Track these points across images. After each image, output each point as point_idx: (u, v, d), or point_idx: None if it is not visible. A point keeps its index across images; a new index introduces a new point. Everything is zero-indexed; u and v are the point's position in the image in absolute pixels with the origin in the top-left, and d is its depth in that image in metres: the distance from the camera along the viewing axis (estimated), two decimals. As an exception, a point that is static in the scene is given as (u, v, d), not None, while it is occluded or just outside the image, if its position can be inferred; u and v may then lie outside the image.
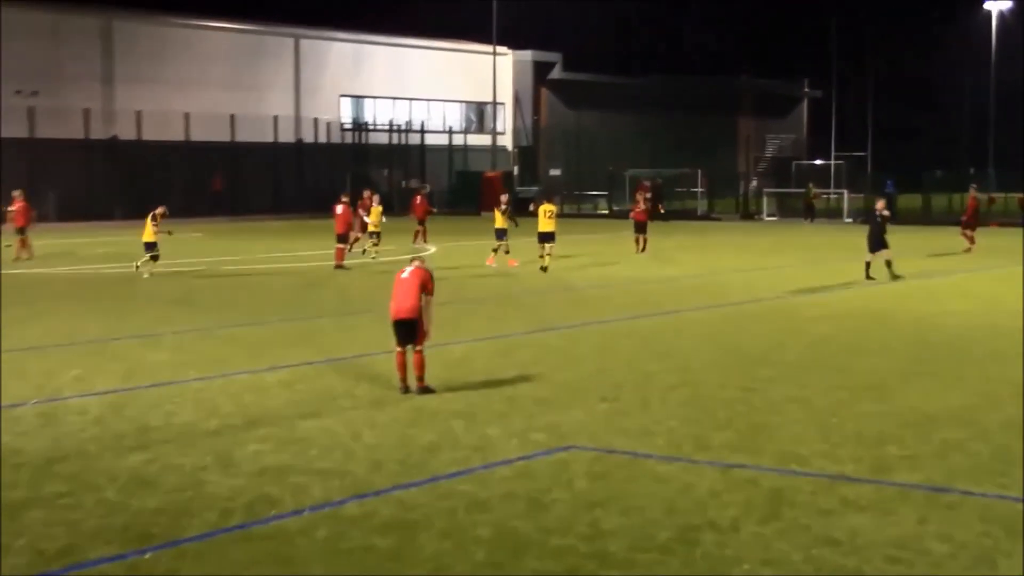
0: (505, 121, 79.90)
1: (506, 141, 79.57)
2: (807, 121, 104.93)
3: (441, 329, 16.85)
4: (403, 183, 67.24)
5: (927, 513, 9.67)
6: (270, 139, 64.46)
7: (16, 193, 36.21)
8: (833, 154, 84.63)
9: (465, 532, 9.26)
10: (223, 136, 62.38)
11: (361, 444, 12.06)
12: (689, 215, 61.54)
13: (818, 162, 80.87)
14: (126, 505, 10.03)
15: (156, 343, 18.88)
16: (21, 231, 35.14)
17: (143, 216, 30.52)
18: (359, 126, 71.00)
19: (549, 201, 33.12)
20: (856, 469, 11.02)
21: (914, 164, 68.05)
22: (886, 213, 28.53)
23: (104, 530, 9.38)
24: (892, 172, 64.75)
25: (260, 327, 20.88)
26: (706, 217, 61.15)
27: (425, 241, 39.73)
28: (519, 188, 66.42)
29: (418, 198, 41.05)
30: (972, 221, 37.69)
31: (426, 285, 14.36)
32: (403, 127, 71.41)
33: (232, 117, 62.67)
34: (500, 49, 73.76)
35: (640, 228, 37.01)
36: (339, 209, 32.40)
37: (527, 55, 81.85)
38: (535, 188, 67.88)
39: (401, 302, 14.34)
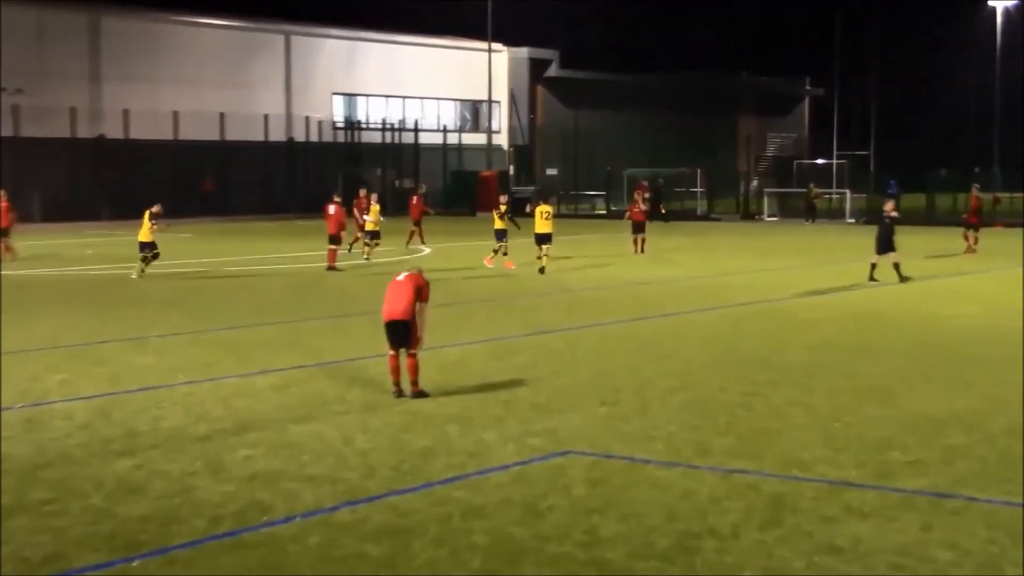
0: (501, 120, 79.93)
1: (502, 140, 79.60)
2: (809, 119, 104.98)
3: (436, 331, 16.85)
4: (396, 183, 67.23)
5: (931, 520, 9.67)
6: (260, 138, 64.40)
7: (-1, 193, 36.17)
8: (835, 153, 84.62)
9: (460, 539, 9.25)
10: (212, 135, 62.37)
11: (354, 449, 12.05)
12: (689, 215, 61.52)
13: (820, 161, 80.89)
14: (113, 512, 10.02)
15: (143, 346, 18.86)
16: (4, 232, 35.09)
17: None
18: (352, 125, 70.99)
19: (546, 202, 33.13)
20: (859, 475, 11.02)
21: (918, 163, 68.08)
22: (895, 215, 28.51)
23: (90, 537, 9.37)
24: (895, 171, 64.78)
25: (250, 330, 20.86)
26: (706, 217, 61.17)
27: (423, 242, 39.67)
28: (515, 188, 66.40)
29: (414, 198, 41.02)
30: (975, 222, 37.60)
31: (421, 291, 14.35)
32: (396, 126, 71.42)
33: (222, 115, 62.64)
34: (496, 46, 73.77)
35: (638, 228, 37.04)
36: (331, 209, 32.38)
37: (523, 52, 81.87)
38: (531, 188, 67.93)
39: (394, 304, 14.33)
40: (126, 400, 14.59)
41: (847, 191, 62.68)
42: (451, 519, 9.74)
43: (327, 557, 8.90)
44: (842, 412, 13.66)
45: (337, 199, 33.24)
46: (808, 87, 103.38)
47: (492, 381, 15.55)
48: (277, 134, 65.93)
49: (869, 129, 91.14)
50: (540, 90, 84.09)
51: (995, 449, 11.93)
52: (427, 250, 38.32)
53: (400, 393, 14.43)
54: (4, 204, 35.35)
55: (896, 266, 27.71)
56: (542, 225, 31.11)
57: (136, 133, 59.33)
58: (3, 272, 31.16)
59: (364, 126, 71.28)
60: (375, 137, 70.44)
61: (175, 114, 60.52)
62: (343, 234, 32.49)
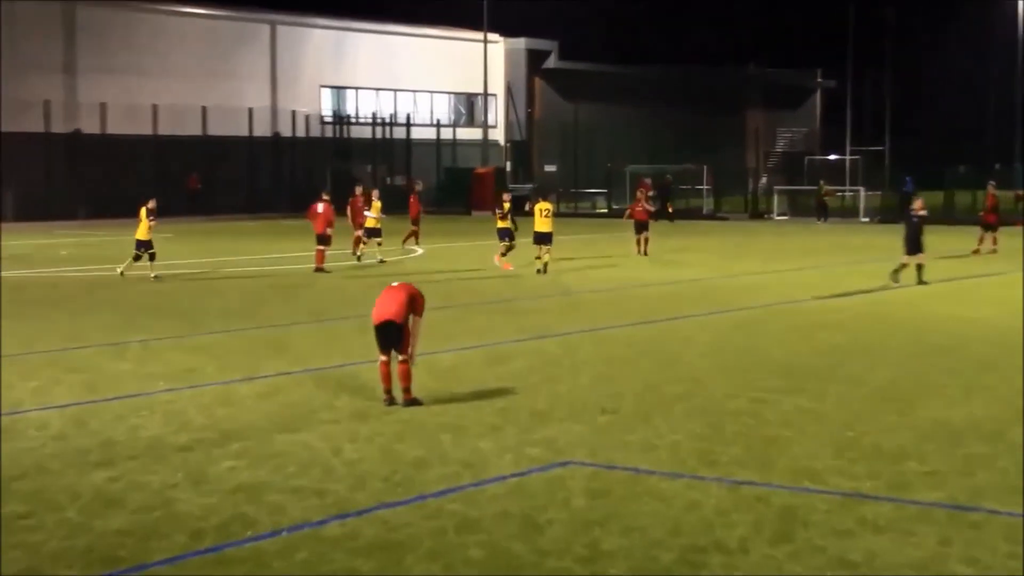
0: (497, 114, 79.99)
1: (498, 135, 79.66)
2: (820, 113, 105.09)
3: (430, 336, 16.86)
4: (387, 180, 67.24)
5: (950, 534, 9.68)
6: (245, 133, 64.43)
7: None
8: (848, 149, 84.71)
9: (455, 554, 9.26)
10: (194, 130, 62.38)
11: (342, 460, 12.05)
12: (694, 214, 61.58)
13: (832, 157, 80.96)
14: (89, 526, 10.02)
15: (121, 352, 18.86)
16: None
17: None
18: (340, 119, 71.02)
19: (545, 199, 33.11)
20: (874, 486, 11.04)
21: (935, 159, 68.10)
22: (923, 213, 28.30)
23: (66, 552, 9.37)
24: (911, 168, 64.80)
25: (234, 334, 20.87)
26: (712, 216, 61.23)
27: (416, 243, 39.50)
28: (512, 185, 66.43)
29: (413, 196, 40.82)
30: (992, 220, 37.46)
31: (415, 300, 14.35)
32: (388, 120, 71.44)
33: (204, 109, 62.66)
34: (491, 36, 73.86)
35: (641, 228, 37.06)
36: (320, 207, 32.38)
37: (520, 43, 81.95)
38: (529, 185, 67.99)
39: (385, 306, 14.33)
40: (103, 408, 14.59)
41: (861, 188, 62.74)
42: (445, 533, 9.74)
43: (315, 573, 8.91)
44: (856, 420, 13.68)
45: (326, 197, 33.24)
46: (820, 79, 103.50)
47: (488, 388, 15.56)
48: (262, 129, 65.94)
49: (884, 123, 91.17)
50: (538, 83, 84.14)
51: (1016, 459, 11.93)
52: (420, 251, 38.33)
53: (391, 401, 14.43)
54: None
55: (919, 267, 27.71)
56: (542, 224, 31.11)
57: (114, 128, 59.34)
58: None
59: (354, 120, 71.32)
60: (365, 132, 70.48)
61: (154, 108, 60.52)
62: (331, 233, 32.41)
